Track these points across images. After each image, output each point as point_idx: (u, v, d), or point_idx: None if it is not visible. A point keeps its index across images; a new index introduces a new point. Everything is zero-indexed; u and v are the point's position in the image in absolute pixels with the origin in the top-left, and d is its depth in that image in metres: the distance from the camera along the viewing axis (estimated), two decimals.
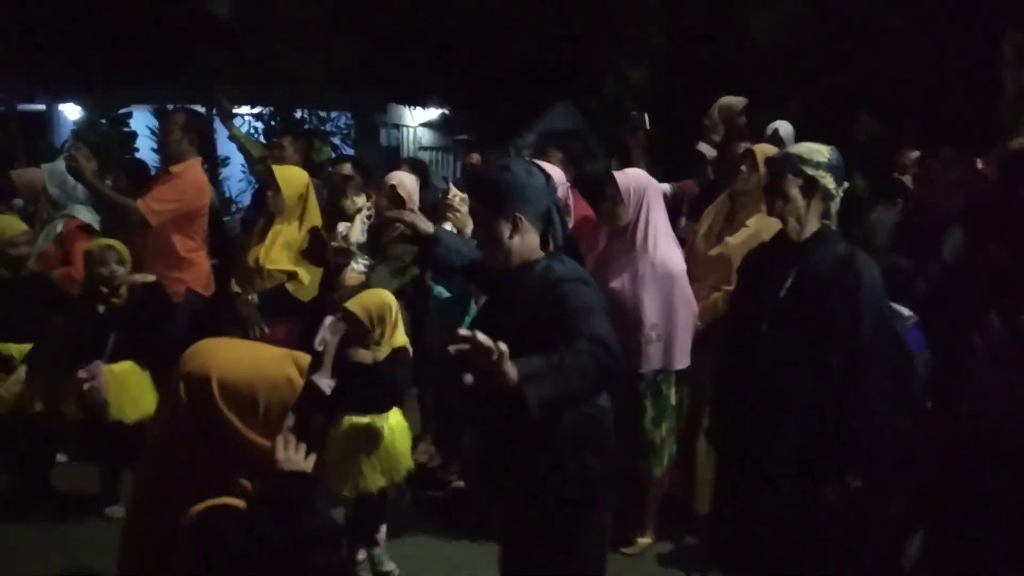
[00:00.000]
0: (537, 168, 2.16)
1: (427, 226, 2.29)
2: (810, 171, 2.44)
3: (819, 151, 2.49)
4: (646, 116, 4.19)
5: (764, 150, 3.41)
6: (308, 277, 3.86)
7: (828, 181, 2.46)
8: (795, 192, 2.44)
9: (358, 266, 3.90)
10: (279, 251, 3.84)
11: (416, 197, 4.06)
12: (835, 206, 2.55)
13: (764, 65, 8.03)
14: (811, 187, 2.44)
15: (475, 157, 4.69)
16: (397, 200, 3.89)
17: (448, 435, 4.22)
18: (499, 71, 10.67)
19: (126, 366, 3.64)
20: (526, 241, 2.08)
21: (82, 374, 3.48)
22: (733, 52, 8.22)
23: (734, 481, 2.63)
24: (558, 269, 2.06)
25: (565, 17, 9.81)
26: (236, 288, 3.91)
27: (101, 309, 3.61)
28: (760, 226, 3.32)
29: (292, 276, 3.84)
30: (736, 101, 4.31)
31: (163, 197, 4.02)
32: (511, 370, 1.64)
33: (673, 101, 8.20)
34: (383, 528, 3.40)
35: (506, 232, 2.07)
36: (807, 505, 2.33)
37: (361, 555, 3.31)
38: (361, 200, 4.14)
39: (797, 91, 7.89)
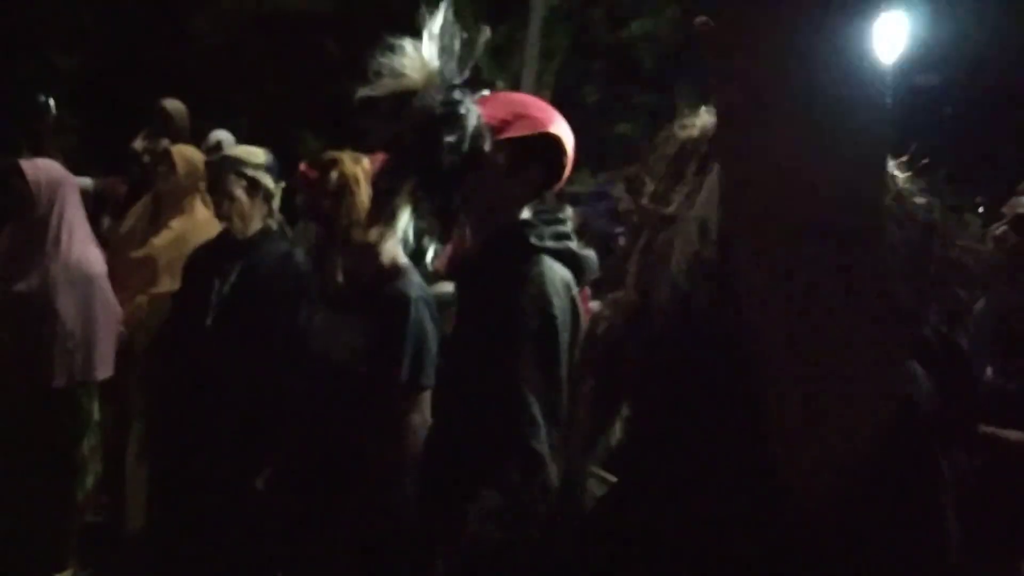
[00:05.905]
0: None
1: None
2: (251, 172, 2.56)
3: (256, 153, 2.66)
4: (51, 101, 3.82)
5: (182, 152, 3.40)
6: None
7: (268, 181, 2.62)
8: (239, 192, 2.53)
9: None
10: None
11: None
12: (276, 204, 2.74)
13: (209, 67, 7.96)
14: (254, 187, 2.55)
15: None
16: None
17: None
18: None
19: None
20: None
21: None
22: (177, 49, 7.96)
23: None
24: None
25: None
26: None
27: None
28: (185, 227, 3.28)
29: None
30: (172, 105, 4.23)
31: None
32: None
33: (112, 92, 7.59)
34: None
35: None
36: None
37: None
38: None
39: (245, 101, 8.02)
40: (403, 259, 2.21)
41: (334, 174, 2.17)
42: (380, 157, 2.18)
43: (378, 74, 1.41)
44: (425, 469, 1.77)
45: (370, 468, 2.11)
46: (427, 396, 2.13)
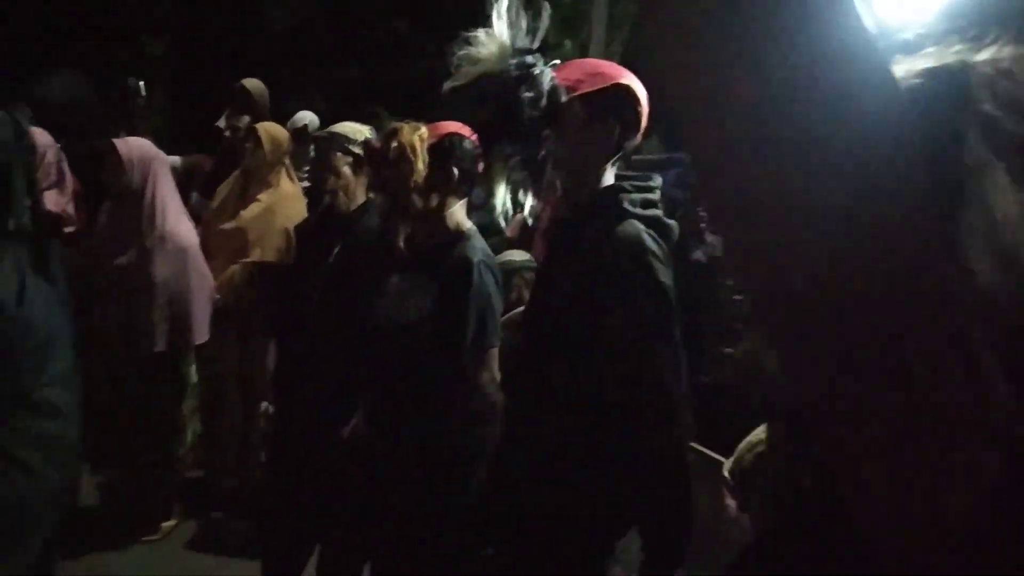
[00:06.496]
0: (8, 118, 1.78)
1: None
2: (356, 149, 2.68)
3: (361, 131, 2.75)
4: (141, 84, 4.07)
5: (267, 128, 3.56)
6: None
7: None
8: (345, 168, 2.66)
9: None
10: None
11: None
12: None
13: (284, 51, 8.20)
14: (359, 164, 2.68)
15: None
16: None
17: None
18: None
19: None
20: None
21: None
22: (254, 33, 8.23)
23: None
24: None
25: None
26: None
27: None
28: (272, 200, 3.46)
29: None
30: (252, 84, 4.41)
31: None
32: None
33: (197, 75, 7.92)
34: None
35: None
36: None
37: None
38: None
39: (318, 80, 8.22)
40: (467, 224, 2.29)
41: (393, 144, 2.23)
42: (443, 126, 2.26)
43: (458, 67, 1.56)
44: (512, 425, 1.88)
45: (442, 424, 2.21)
46: (494, 354, 2.23)
